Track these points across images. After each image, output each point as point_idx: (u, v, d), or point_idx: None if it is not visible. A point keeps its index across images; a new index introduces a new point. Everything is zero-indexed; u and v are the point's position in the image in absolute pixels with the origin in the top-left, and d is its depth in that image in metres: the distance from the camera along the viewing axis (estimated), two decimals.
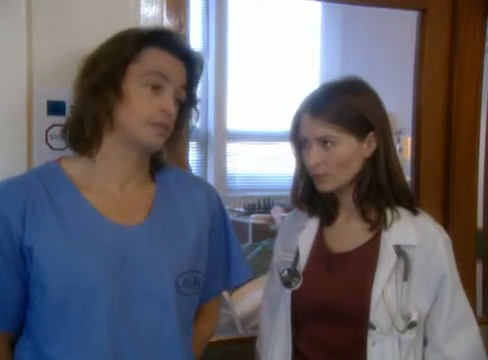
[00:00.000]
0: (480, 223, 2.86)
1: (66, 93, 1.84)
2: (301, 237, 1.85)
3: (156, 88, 1.55)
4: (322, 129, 1.73)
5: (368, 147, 1.76)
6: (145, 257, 1.57)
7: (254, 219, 6.56)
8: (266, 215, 6.56)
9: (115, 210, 1.59)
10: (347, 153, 1.73)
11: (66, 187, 1.58)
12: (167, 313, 1.58)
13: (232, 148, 7.34)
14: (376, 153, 1.76)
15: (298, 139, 1.80)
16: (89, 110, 1.54)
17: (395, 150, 1.82)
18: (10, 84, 1.85)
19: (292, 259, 1.84)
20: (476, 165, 2.71)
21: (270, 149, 7.32)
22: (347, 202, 1.82)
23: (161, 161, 1.72)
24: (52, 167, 1.63)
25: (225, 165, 7.33)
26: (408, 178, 2.57)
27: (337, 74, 1.83)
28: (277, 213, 6.36)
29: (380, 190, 1.76)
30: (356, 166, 1.76)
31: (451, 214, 2.66)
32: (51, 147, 1.88)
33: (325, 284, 1.79)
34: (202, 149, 7.28)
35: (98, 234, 1.55)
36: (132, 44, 1.54)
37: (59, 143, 1.88)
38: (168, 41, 1.59)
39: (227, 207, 7.03)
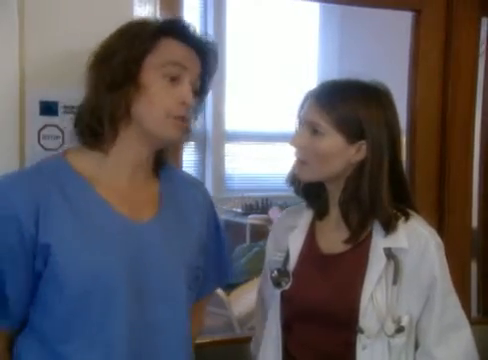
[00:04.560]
0: (475, 223, 2.87)
1: (58, 93, 1.85)
2: (292, 236, 1.84)
3: (174, 78, 1.53)
4: (315, 116, 1.71)
5: (356, 154, 1.71)
6: (159, 252, 1.57)
7: (252, 220, 6.54)
8: (264, 216, 6.54)
9: (126, 205, 1.57)
10: (329, 148, 1.70)
11: (76, 181, 1.55)
12: (180, 309, 1.60)
13: (230, 148, 7.32)
14: (363, 165, 1.72)
15: (300, 118, 1.80)
16: (107, 105, 1.51)
17: (399, 172, 1.77)
18: (2, 84, 1.84)
19: (282, 259, 1.83)
20: (471, 165, 2.72)
21: (268, 149, 7.30)
22: (335, 202, 1.80)
23: (164, 158, 1.71)
24: (58, 161, 1.59)
25: (223, 165, 7.30)
26: None
27: (335, 74, 1.82)
28: (275, 214, 6.34)
29: (361, 206, 1.72)
30: (337, 165, 1.72)
31: (446, 214, 2.67)
32: (44, 147, 1.88)
33: (315, 285, 1.77)
34: (200, 149, 7.26)
35: (114, 229, 1.54)
36: (150, 35, 1.53)
37: (52, 143, 1.89)
38: (183, 31, 1.57)
39: (225, 207, 7.06)
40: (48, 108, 1.88)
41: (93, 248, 1.50)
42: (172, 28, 1.56)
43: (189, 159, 7.19)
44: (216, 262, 1.83)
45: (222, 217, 6.75)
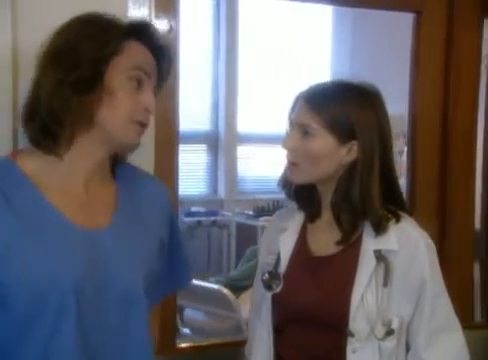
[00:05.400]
0: (478, 225, 2.85)
1: None
2: (282, 239, 1.82)
3: (139, 83, 1.47)
4: (305, 117, 1.71)
5: (347, 154, 1.70)
6: (117, 260, 1.48)
7: (263, 222, 6.53)
8: None
9: (80, 211, 1.47)
10: (321, 149, 1.70)
11: (25, 186, 1.43)
12: (139, 317, 1.50)
13: (242, 151, 7.32)
14: (354, 166, 1.71)
15: (290, 120, 1.79)
16: (73, 108, 1.40)
17: (391, 174, 1.75)
18: None
19: (274, 261, 1.81)
20: (473, 166, 2.70)
21: (280, 152, 7.28)
22: (326, 204, 1.79)
23: (120, 156, 1.62)
24: (5, 163, 1.47)
25: (236, 168, 7.31)
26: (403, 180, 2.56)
27: (347, 75, 1.80)
28: None
29: (352, 206, 1.71)
30: (328, 166, 1.72)
31: (448, 217, 2.64)
32: None
33: (305, 288, 1.76)
34: (212, 152, 7.28)
35: (65, 239, 1.43)
36: (118, 36, 1.45)
37: None
38: (147, 34, 1.51)
39: (236, 210, 7.03)
40: None
41: (41, 260, 1.38)
42: (139, 31, 1.50)
43: (201, 161, 7.21)
44: (173, 263, 1.73)
45: (234, 219, 6.77)
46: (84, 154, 1.48)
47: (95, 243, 1.46)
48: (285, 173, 1.82)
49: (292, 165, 1.76)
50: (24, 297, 1.36)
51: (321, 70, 7.41)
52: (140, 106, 1.47)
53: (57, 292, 1.37)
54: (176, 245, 1.73)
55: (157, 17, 2.04)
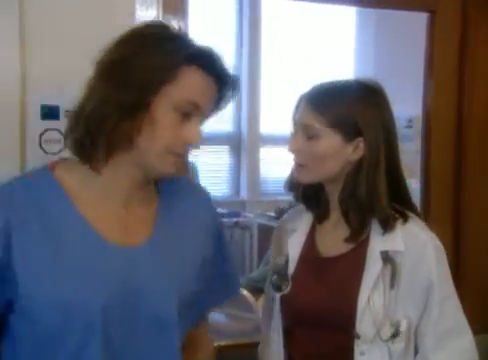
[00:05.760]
0: None
1: (60, 97, 1.86)
2: (291, 240, 1.82)
3: (185, 115, 1.38)
4: (308, 118, 1.70)
5: (353, 152, 1.69)
6: (150, 281, 1.42)
7: None
8: None
9: (116, 228, 1.42)
10: (327, 148, 1.68)
11: (60, 201, 1.39)
12: (171, 340, 1.44)
13: (265, 152, 7.31)
14: (361, 164, 1.69)
15: (294, 121, 1.77)
16: (108, 128, 1.33)
17: (397, 173, 1.74)
18: (3, 88, 1.86)
19: (283, 262, 1.80)
20: None
21: None
22: (335, 203, 1.77)
23: None
24: (44, 176, 1.43)
25: (258, 169, 7.29)
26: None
27: (371, 76, 1.79)
28: None
29: (359, 203, 1.69)
30: (335, 165, 1.70)
31: (463, 218, 2.63)
32: (45, 151, 1.89)
33: (313, 289, 1.75)
34: (235, 153, 7.27)
35: (98, 259, 1.38)
36: (177, 61, 1.36)
37: (53, 147, 1.90)
38: (208, 61, 1.40)
39: (258, 211, 6.98)
40: (50, 112, 1.89)
41: (70, 280, 1.34)
42: (200, 59, 1.39)
43: (224, 162, 7.21)
44: (219, 278, 1.64)
45: (256, 220, 6.76)
46: (122, 173, 1.42)
47: (129, 261, 1.41)
48: (292, 175, 1.80)
49: (299, 166, 1.75)
50: (50, 314, 1.33)
51: (345, 71, 7.38)
52: (181, 140, 1.39)
53: (84, 311, 1.33)
54: (222, 259, 1.65)
55: (165, 18, 2.04)
